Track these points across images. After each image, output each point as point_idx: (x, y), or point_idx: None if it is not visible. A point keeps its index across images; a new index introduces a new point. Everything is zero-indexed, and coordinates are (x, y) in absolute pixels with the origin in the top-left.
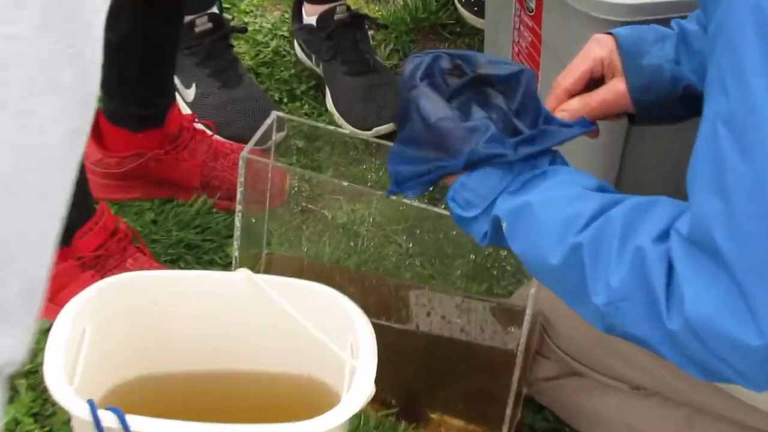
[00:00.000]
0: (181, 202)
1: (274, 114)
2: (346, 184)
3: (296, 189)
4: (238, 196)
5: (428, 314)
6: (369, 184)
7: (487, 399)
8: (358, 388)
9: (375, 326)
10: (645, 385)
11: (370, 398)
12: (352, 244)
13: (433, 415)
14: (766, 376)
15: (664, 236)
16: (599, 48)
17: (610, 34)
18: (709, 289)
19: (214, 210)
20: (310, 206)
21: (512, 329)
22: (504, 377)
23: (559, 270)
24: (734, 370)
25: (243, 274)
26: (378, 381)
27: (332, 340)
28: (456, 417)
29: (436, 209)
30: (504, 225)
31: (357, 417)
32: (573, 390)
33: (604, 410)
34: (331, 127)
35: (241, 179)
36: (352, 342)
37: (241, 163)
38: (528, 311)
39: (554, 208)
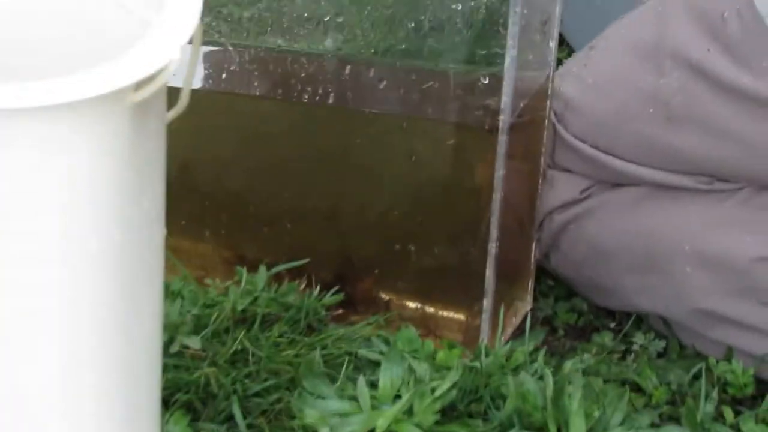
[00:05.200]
0: None
1: None
2: None
3: None
4: None
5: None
6: None
7: (458, 258)
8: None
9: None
10: (729, 168)
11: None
12: None
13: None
14: None
15: None
16: None
17: None
18: None
19: None
20: None
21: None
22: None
23: None
24: None
25: None
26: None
27: None
28: (414, 300)
29: None
30: None
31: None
32: (606, 213)
33: (656, 233)
34: None
35: None
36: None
37: None
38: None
39: None
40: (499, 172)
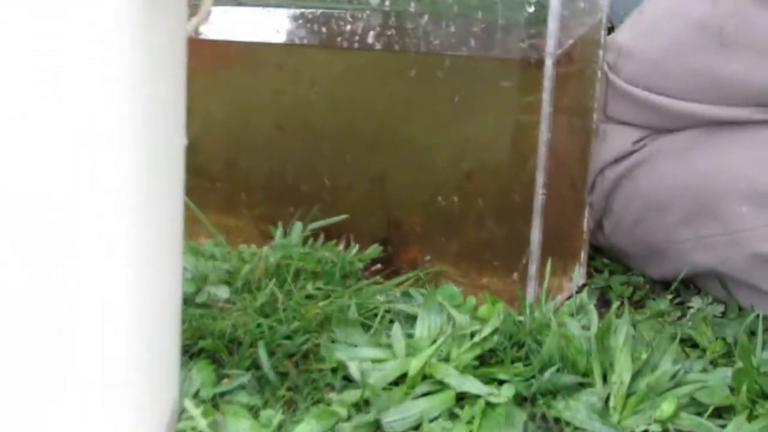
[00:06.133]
0: None
1: None
2: None
3: None
4: None
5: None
6: None
7: (504, 207)
8: None
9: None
10: None
11: None
12: None
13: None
14: None
15: None
16: None
17: None
18: None
19: None
20: None
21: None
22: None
23: None
24: None
25: None
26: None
27: None
28: (457, 261)
29: None
30: None
31: None
32: (659, 161)
33: (710, 175)
34: None
35: None
36: None
37: None
38: None
39: None
40: (546, 109)
